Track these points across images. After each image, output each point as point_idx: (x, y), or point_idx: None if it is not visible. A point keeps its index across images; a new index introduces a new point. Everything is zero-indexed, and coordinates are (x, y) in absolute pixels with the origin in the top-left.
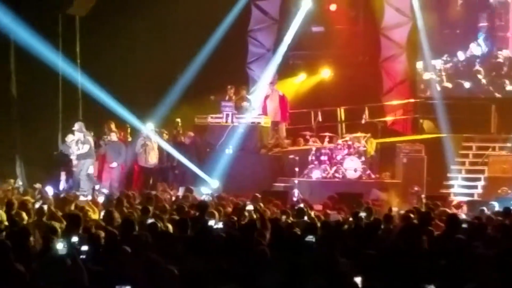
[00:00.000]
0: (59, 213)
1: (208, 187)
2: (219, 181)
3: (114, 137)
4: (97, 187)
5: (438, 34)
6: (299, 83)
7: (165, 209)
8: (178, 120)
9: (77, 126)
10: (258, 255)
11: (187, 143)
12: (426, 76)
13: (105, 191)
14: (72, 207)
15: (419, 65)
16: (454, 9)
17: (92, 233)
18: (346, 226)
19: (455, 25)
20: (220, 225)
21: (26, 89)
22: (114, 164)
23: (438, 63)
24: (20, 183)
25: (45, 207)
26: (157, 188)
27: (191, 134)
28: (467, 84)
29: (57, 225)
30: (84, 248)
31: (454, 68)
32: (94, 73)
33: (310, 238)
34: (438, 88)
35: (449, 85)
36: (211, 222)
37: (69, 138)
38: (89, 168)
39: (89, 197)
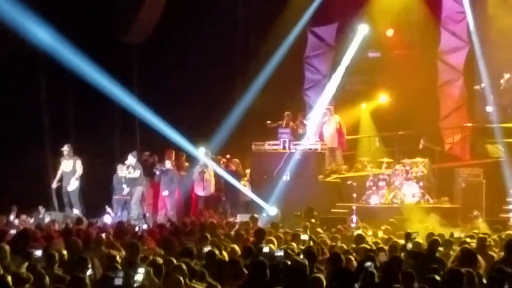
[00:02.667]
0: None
1: (267, 214)
2: (277, 208)
3: (168, 165)
4: (147, 214)
5: None
6: (356, 109)
7: (221, 236)
8: None
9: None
10: (315, 283)
11: (234, 169)
12: None
13: (161, 219)
14: (129, 236)
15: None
16: None
17: (151, 262)
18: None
19: None
20: (281, 252)
21: (83, 119)
22: (166, 193)
23: None
24: (78, 212)
25: (103, 235)
26: (204, 215)
27: (237, 160)
28: None
29: (115, 254)
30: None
31: None
32: (150, 102)
33: (369, 265)
34: None
35: None
36: (266, 249)
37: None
38: (139, 196)
39: (145, 226)
